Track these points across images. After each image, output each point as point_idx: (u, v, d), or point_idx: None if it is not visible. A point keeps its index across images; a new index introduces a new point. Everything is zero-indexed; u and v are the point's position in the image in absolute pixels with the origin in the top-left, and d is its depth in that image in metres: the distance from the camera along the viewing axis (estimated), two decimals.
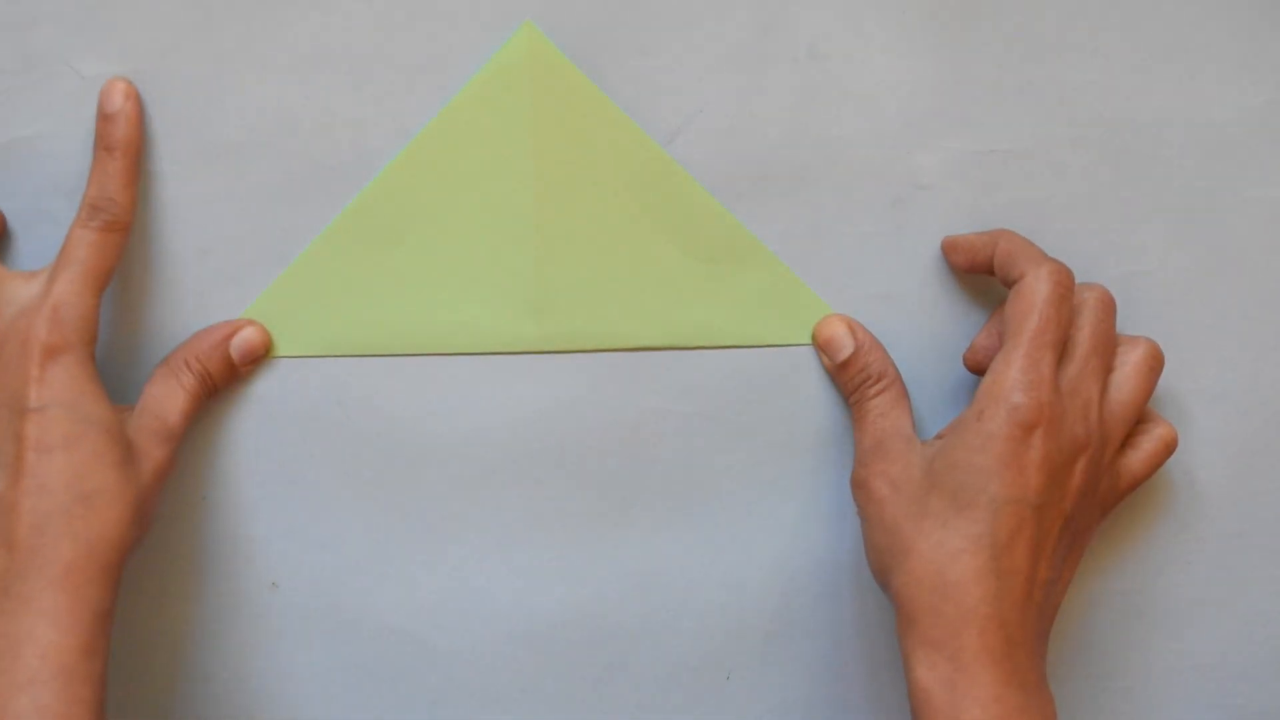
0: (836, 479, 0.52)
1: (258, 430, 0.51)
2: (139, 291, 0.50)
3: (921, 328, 0.52)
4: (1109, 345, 0.48)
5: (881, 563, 0.48)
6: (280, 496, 0.51)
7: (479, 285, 0.50)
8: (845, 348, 0.50)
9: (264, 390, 0.51)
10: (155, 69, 0.49)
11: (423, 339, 0.51)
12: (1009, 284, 0.48)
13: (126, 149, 0.48)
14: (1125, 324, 0.51)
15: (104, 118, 0.48)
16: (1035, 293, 0.46)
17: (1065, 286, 0.47)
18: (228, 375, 0.50)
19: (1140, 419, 0.49)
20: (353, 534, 0.52)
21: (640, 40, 0.50)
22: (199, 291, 0.50)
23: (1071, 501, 0.46)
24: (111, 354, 0.50)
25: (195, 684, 0.52)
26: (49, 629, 0.43)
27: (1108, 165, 0.51)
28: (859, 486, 0.49)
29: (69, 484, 0.44)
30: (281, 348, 0.50)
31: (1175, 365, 0.52)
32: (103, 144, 0.48)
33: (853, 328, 0.51)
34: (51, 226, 0.50)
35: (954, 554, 0.45)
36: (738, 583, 0.53)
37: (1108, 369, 0.48)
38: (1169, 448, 0.49)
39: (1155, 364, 0.49)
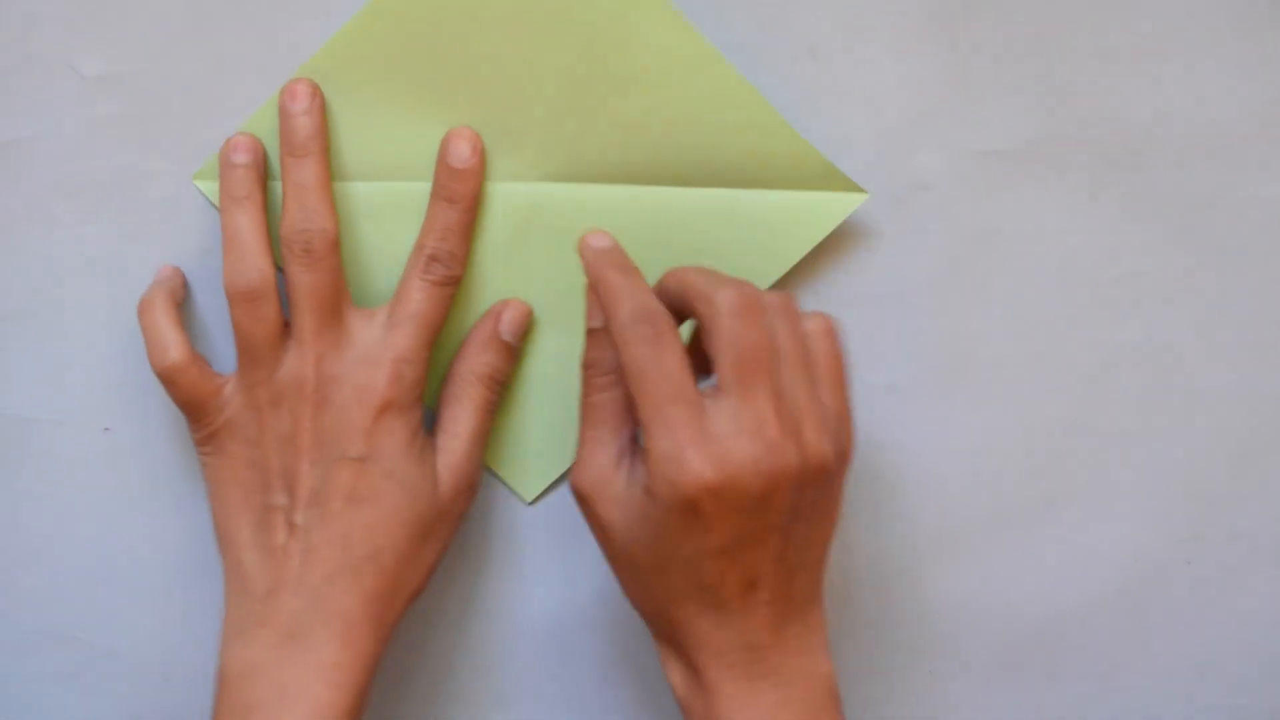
0: None
1: None
2: (139, 292, 0.50)
3: (921, 328, 0.52)
4: (761, 354, 0.42)
5: (618, 580, 0.46)
6: None
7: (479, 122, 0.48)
8: (593, 319, 0.45)
9: None
10: (155, 69, 0.49)
11: (407, 167, 0.49)
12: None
13: (471, 204, 0.48)
14: (1129, 325, 0.52)
15: (450, 172, 0.48)
16: (624, 358, 0.42)
17: (645, 331, 0.42)
18: (511, 361, 0.49)
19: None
20: None
21: None
22: (199, 291, 0.50)
23: (782, 515, 0.42)
24: (113, 352, 0.51)
25: (194, 683, 0.52)
26: (324, 688, 0.44)
27: (1108, 165, 0.51)
28: (581, 500, 0.45)
29: (364, 539, 0.45)
30: None
31: (1175, 365, 0.52)
32: (444, 195, 0.48)
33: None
34: (52, 227, 0.50)
35: (671, 599, 0.43)
36: None
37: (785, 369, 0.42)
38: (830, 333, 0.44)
39: (831, 335, 0.44)
